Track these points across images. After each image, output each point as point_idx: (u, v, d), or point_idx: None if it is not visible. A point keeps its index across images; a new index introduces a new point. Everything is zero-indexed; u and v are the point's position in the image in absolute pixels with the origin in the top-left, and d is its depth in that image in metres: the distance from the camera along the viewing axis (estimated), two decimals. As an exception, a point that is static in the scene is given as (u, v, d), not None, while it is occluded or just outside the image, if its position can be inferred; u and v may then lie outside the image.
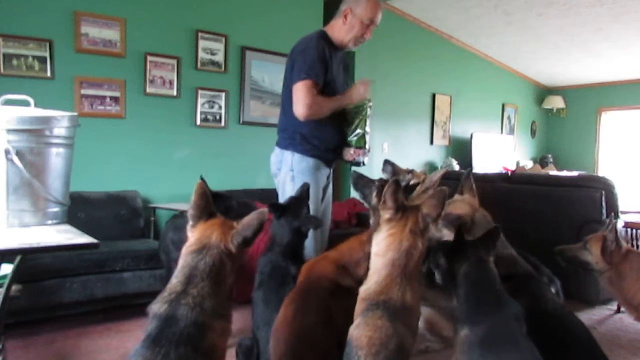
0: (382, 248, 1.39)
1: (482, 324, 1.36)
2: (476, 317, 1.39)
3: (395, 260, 1.35)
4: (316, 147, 2.38)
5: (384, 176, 2.43)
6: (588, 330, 1.63)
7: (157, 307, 1.15)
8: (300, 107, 2.25)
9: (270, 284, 1.84)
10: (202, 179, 2.27)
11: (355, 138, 2.45)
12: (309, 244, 2.20)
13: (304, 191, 2.08)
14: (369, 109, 2.46)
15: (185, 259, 1.23)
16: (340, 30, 2.39)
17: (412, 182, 2.34)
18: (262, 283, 1.86)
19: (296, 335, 1.54)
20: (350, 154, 2.48)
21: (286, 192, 2.36)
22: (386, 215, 1.41)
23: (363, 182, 2.14)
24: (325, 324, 1.53)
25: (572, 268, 2.01)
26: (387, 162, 2.44)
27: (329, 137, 2.41)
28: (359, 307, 1.34)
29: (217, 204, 2.22)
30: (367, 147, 2.50)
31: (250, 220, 1.24)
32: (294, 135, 2.38)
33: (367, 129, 2.47)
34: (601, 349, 1.58)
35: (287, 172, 2.38)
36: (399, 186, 1.42)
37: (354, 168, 2.40)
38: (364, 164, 2.53)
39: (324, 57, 2.31)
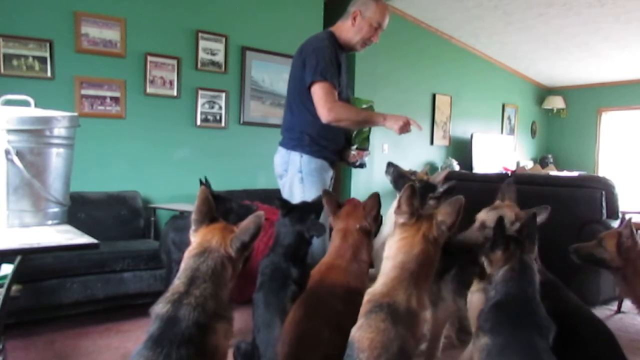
0: (393, 251, 1.38)
1: (504, 336, 1.34)
2: (499, 328, 1.36)
3: (405, 263, 1.34)
4: (324, 148, 2.34)
5: (387, 178, 2.43)
6: (608, 327, 1.64)
7: (160, 308, 1.16)
8: (323, 110, 2.22)
9: (271, 285, 1.83)
10: (202, 181, 2.28)
11: (360, 139, 2.45)
12: (317, 242, 2.19)
13: (320, 201, 2.04)
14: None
15: (187, 261, 1.25)
16: (349, 31, 2.38)
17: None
18: (262, 284, 1.85)
19: (300, 337, 1.55)
20: (353, 155, 2.47)
21: (294, 193, 2.30)
22: (400, 219, 1.41)
23: (403, 182, 2.14)
24: (332, 329, 1.52)
25: (587, 265, 2.00)
26: (390, 164, 2.44)
27: (336, 137, 2.39)
28: (363, 308, 1.34)
29: (216, 206, 2.22)
30: (369, 148, 2.51)
31: (247, 224, 1.25)
32: (301, 136, 2.33)
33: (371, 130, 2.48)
34: (618, 343, 1.59)
35: (295, 174, 2.33)
36: (415, 191, 1.42)
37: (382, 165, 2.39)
38: (365, 165, 2.54)
39: (337, 59, 2.30)
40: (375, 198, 1.78)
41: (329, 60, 2.25)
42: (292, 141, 2.36)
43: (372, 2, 2.36)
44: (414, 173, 2.43)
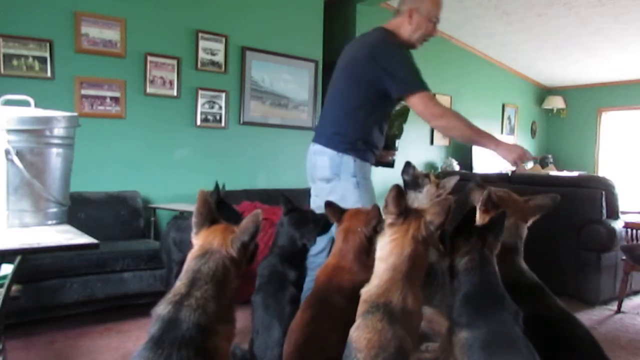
0: (385, 252, 1.39)
1: (483, 328, 1.33)
2: (476, 321, 1.35)
3: (397, 265, 1.35)
4: (373, 154, 2.34)
5: (405, 177, 2.45)
6: (593, 336, 1.62)
7: (161, 309, 1.17)
8: (432, 116, 2.35)
9: (269, 288, 1.83)
10: (217, 186, 2.26)
11: (394, 140, 2.57)
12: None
13: (326, 220, 1.97)
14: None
15: (189, 263, 1.25)
16: (406, 30, 2.35)
17: (427, 186, 2.36)
18: (261, 287, 1.85)
19: (306, 338, 1.56)
20: (382, 155, 2.53)
21: (348, 198, 2.16)
22: (388, 219, 1.42)
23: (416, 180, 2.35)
24: (341, 331, 1.53)
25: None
26: (408, 164, 2.45)
27: (381, 144, 2.42)
28: (360, 308, 1.34)
29: (221, 213, 2.21)
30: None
31: (246, 223, 1.26)
32: (355, 141, 2.25)
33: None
34: (605, 355, 1.57)
35: (349, 178, 2.23)
36: (401, 191, 1.42)
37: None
38: (393, 165, 2.69)
39: None
40: (376, 210, 1.78)
41: (416, 67, 2.28)
42: (344, 144, 2.26)
43: None
44: (427, 175, 2.44)
